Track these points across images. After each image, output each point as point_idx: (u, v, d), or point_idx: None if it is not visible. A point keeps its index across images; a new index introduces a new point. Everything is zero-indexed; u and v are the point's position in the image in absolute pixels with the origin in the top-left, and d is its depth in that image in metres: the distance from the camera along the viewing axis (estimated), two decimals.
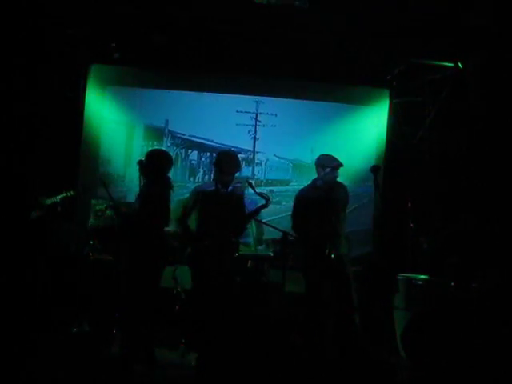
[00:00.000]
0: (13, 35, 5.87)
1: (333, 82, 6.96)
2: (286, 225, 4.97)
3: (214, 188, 4.96)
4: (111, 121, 6.39)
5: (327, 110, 7.06)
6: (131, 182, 5.18)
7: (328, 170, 5.10)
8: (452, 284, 5.12)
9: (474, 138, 6.34)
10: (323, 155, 5.19)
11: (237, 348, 4.90)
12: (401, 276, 5.41)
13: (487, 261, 5.32)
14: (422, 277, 5.37)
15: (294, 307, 5.43)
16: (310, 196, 5.15)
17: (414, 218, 6.11)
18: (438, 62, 6.56)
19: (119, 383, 4.44)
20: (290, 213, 5.02)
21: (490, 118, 6.17)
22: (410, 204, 6.24)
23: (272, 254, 5.93)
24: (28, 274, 5.42)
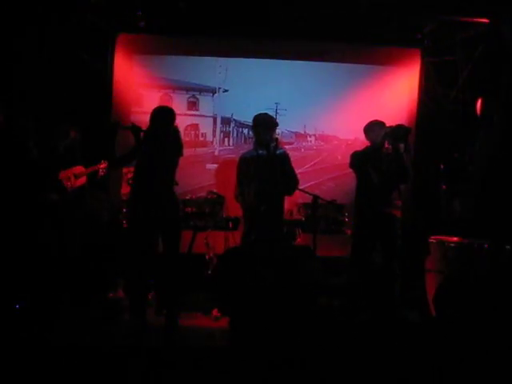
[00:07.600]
0: (37, 5, 5.90)
1: (362, 42, 6.80)
2: None
3: (255, 153, 5.39)
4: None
5: (357, 71, 6.97)
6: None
7: (369, 133, 5.35)
8: (485, 246, 5.07)
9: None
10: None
11: (269, 312, 4.95)
12: (433, 238, 5.36)
13: None
14: (455, 239, 5.32)
15: (325, 271, 5.46)
16: (367, 156, 5.30)
17: (447, 180, 6.02)
18: (471, 19, 6.33)
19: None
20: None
21: None
22: (442, 166, 6.15)
23: (303, 219, 5.94)
24: (59, 241, 5.52)
